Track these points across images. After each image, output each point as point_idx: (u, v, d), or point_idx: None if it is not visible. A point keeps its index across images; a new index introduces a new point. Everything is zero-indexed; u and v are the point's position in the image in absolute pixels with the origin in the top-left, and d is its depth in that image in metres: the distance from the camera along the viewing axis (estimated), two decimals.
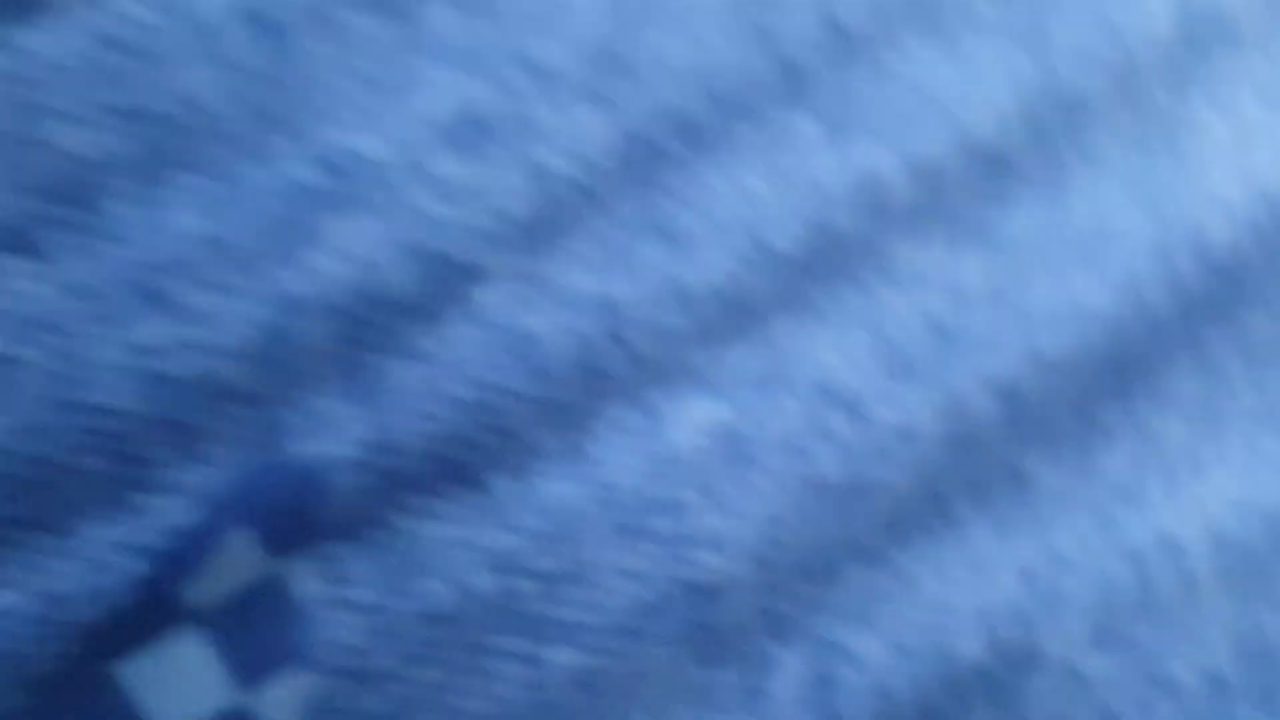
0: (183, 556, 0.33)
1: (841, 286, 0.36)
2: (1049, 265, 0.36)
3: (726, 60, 0.36)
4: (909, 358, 0.36)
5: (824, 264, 0.36)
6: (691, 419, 0.35)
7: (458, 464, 0.35)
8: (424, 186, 0.35)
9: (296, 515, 0.34)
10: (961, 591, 0.36)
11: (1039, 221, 0.37)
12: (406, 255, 0.34)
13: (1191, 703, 0.36)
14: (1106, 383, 0.37)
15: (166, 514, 0.33)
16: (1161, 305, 0.36)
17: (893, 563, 0.36)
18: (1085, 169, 0.37)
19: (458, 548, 0.35)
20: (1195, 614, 0.36)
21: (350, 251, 0.34)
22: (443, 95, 0.35)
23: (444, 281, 0.35)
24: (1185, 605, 0.36)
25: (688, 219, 0.36)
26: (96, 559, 0.33)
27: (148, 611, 0.33)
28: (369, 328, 0.35)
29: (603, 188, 0.35)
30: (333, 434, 0.34)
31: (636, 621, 0.35)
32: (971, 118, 0.37)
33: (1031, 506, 0.37)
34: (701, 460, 0.35)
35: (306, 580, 0.33)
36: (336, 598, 0.33)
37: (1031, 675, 0.35)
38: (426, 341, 0.35)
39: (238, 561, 0.33)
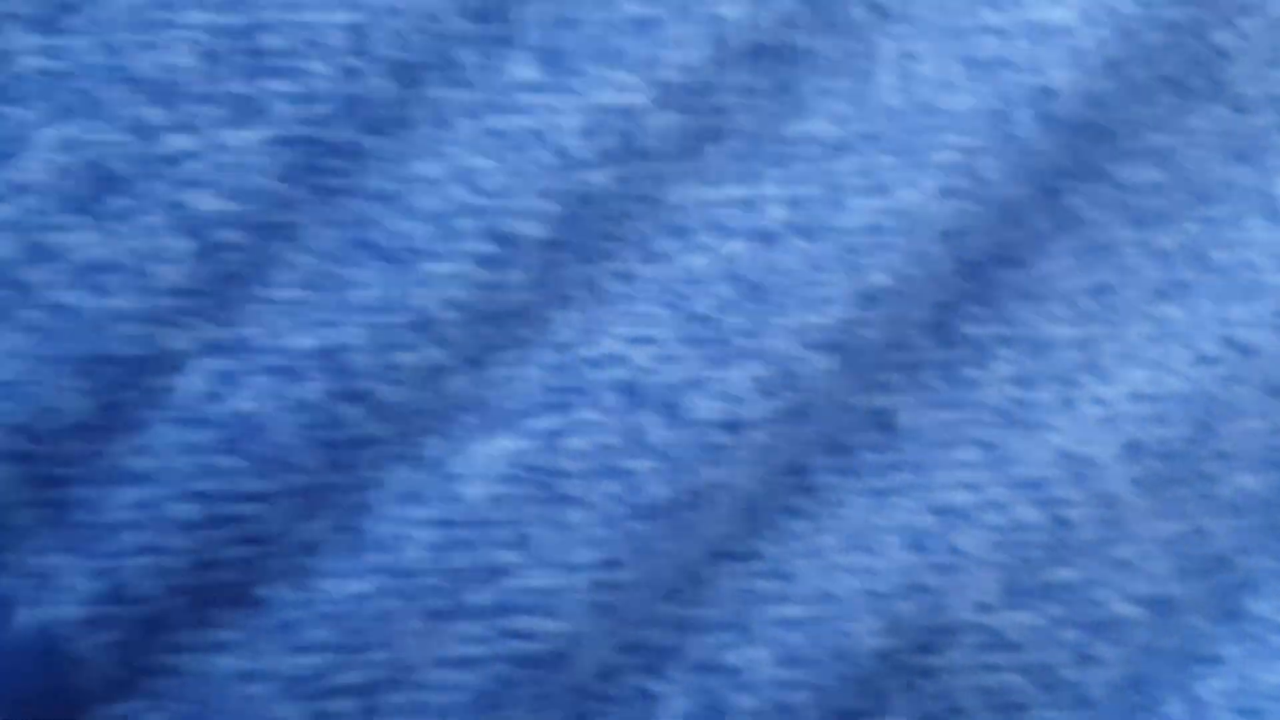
0: None
1: (621, 259, 0.29)
2: (863, 170, 0.29)
3: (397, 15, 0.27)
4: (721, 329, 0.29)
5: (591, 238, 0.28)
6: (480, 464, 0.29)
7: (221, 586, 0.29)
8: (59, 275, 0.27)
9: (47, 696, 0.29)
10: (846, 575, 0.30)
11: (844, 117, 0.29)
12: (68, 367, 0.27)
13: (1136, 636, 0.30)
14: (963, 291, 0.30)
15: None
16: (1009, 180, 0.29)
17: (761, 560, 0.30)
18: (891, 45, 0.29)
19: (251, 681, 0.29)
20: (1123, 539, 0.30)
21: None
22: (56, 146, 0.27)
23: (125, 385, 0.27)
24: (1110, 532, 0.30)
25: (403, 226, 0.28)
26: None
27: None
28: (58, 462, 0.28)
29: (284, 218, 0.28)
30: (58, 594, 0.28)
31: (478, 714, 0.29)
32: (733, 11, 0.28)
33: (904, 458, 0.31)
34: (506, 511, 0.29)
35: None
36: None
37: (946, 650, 0.30)
38: (132, 460, 0.28)
39: None
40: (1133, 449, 0.29)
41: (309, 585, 0.27)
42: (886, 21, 0.29)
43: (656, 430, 0.27)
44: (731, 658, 0.28)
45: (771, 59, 0.28)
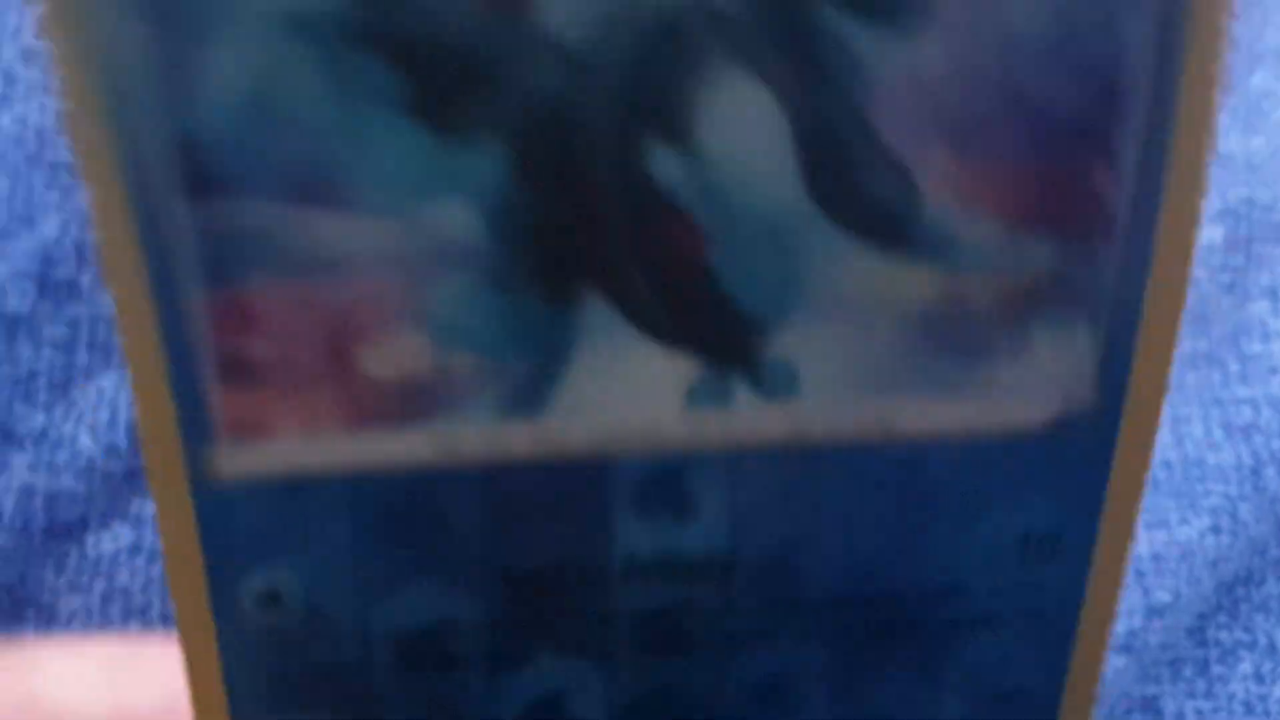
0: None
1: None
2: (1150, 509, 0.37)
3: None
4: None
5: None
6: None
7: None
8: None
9: None
10: None
11: None
12: None
13: None
14: (1217, 604, 0.39)
15: None
16: (1259, 522, 0.37)
17: None
18: (1166, 410, 0.38)
19: None
20: None
21: None
22: None
23: None
24: None
25: None
26: None
27: None
28: None
29: None
30: None
31: None
32: None
33: None
34: None
35: None
36: None
37: None
38: None
39: None
40: None
41: None
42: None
43: None
44: None
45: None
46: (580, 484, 0.15)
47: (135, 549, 0.32)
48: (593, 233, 0.13)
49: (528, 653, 0.16)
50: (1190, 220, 0.14)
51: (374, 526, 0.16)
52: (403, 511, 0.15)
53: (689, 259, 0.13)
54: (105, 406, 0.33)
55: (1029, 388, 0.15)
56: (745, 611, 0.16)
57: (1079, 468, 0.15)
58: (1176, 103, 0.13)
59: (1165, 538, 0.36)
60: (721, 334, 0.14)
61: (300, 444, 0.15)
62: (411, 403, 0.15)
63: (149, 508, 0.32)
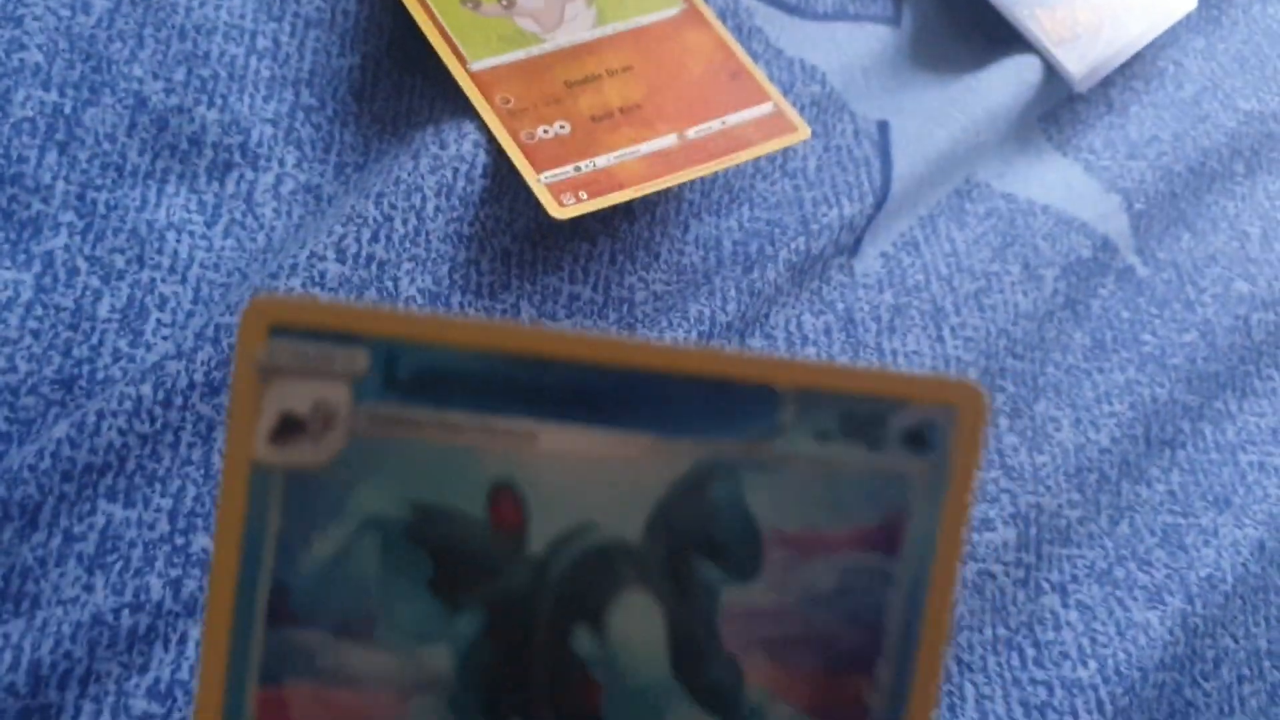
0: None
1: None
2: None
3: None
4: None
5: None
6: None
7: None
8: None
9: None
10: None
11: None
12: None
13: None
14: None
15: None
16: None
17: None
18: (969, 681, 0.42)
19: None
20: None
21: None
22: None
23: None
24: None
25: None
26: None
27: None
28: None
29: None
30: None
31: None
32: None
33: None
34: None
35: None
36: None
37: None
38: None
39: None
40: None
41: None
42: (970, 672, 0.42)
43: None
44: None
45: None
46: None
47: None
48: (528, 680, 0.20)
49: None
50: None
51: None
52: None
53: (589, 708, 0.20)
54: (9, 650, 0.35)
55: None
56: None
57: None
58: (917, 645, 0.20)
59: None
60: None
61: None
62: None
63: None
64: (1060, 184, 0.54)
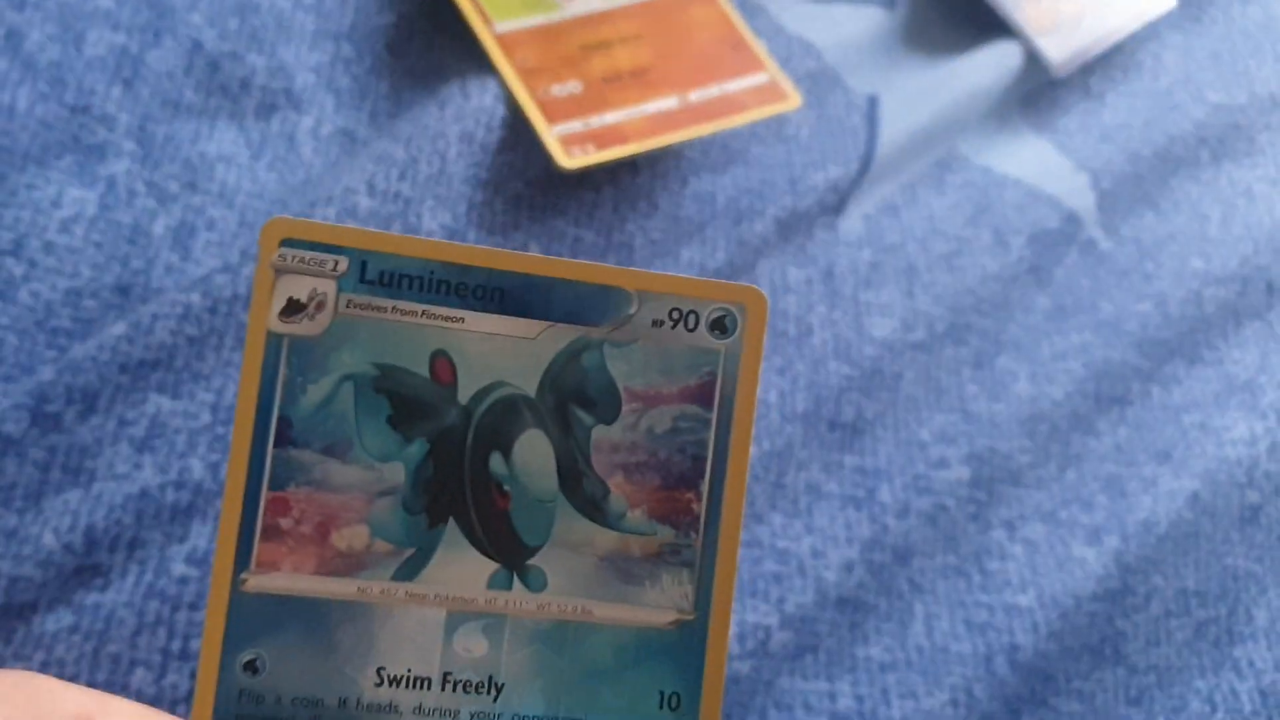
0: None
1: None
2: (901, 682, 0.46)
3: None
4: None
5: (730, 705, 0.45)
6: None
7: None
8: None
9: None
10: None
11: (891, 648, 0.47)
12: None
13: None
14: None
15: None
16: (991, 699, 0.46)
17: None
18: (919, 601, 0.47)
19: None
20: None
21: None
22: None
23: None
24: None
25: None
26: None
27: None
28: None
29: None
30: None
31: None
32: (828, 575, 0.46)
33: None
34: None
35: None
36: None
37: None
38: None
39: None
40: None
41: None
42: (921, 593, 0.47)
43: None
44: None
45: (850, 607, 0.46)
46: (425, 625, 0.28)
47: (74, 629, 0.39)
48: (457, 491, 0.27)
49: (391, 684, 0.28)
50: (735, 527, 0.28)
51: (313, 631, 0.27)
52: (331, 625, 0.27)
53: (500, 511, 0.27)
54: (68, 514, 0.41)
55: (660, 602, 0.28)
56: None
57: (688, 652, 0.28)
58: (727, 469, 0.28)
59: (913, 706, 0.45)
60: (510, 551, 0.28)
61: (290, 579, 0.27)
62: (351, 563, 0.28)
63: (91, 598, 0.40)
64: (1034, 160, 0.58)
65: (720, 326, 0.28)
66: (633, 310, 0.28)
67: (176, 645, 0.38)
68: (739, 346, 0.28)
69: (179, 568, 0.39)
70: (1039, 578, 0.48)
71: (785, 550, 0.46)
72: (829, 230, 0.53)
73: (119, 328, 0.41)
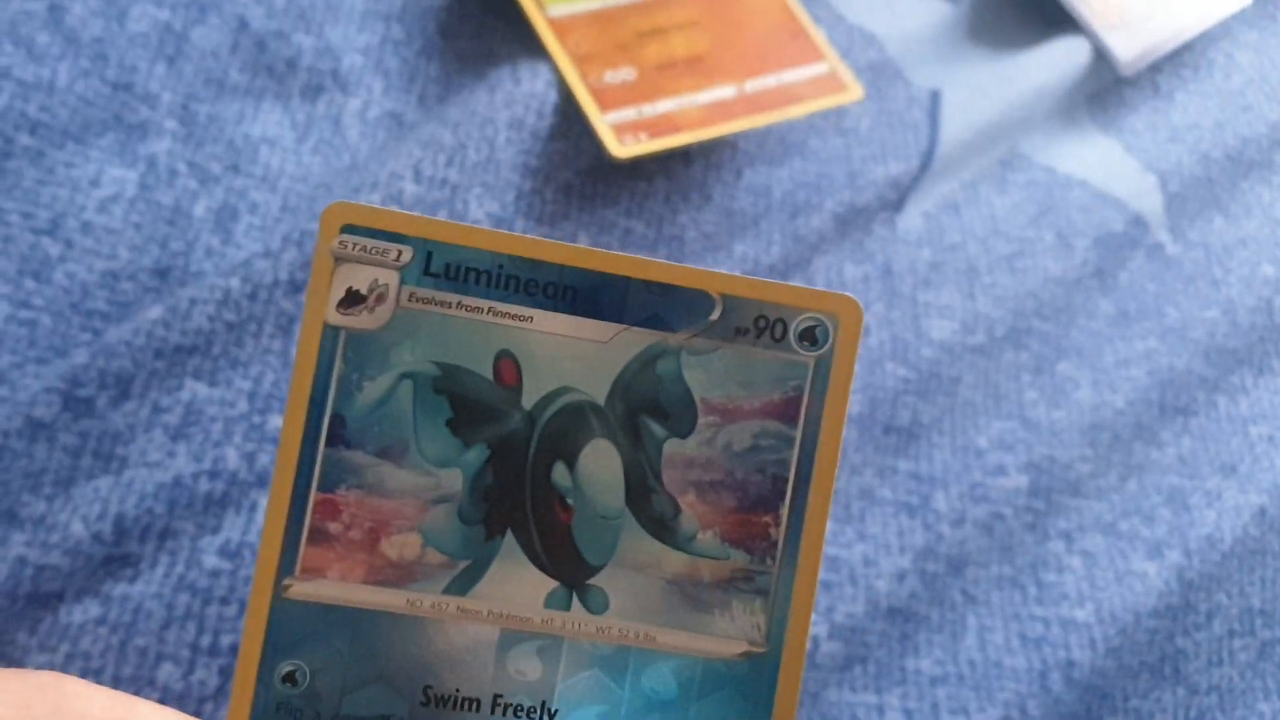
0: None
1: None
2: (951, 696, 0.44)
3: None
4: None
5: None
6: None
7: None
8: None
9: None
10: None
11: (942, 660, 0.45)
12: None
13: None
14: None
15: None
16: (1045, 717, 0.44)
17: None
18: (972, 613, 0.45)
19: None
20: None
21: None
22: None
23: None
24: None
25: None
26: None
27: None
28: None
29: None
30: None
31: None
32: (879, 584, 0.44)
33: None
34: None
35: None
36: None
37: None
38: None
39: None
40: None
41: None
42: (974, 605, 0.45)
43: None
44: None
45: (902, 618, 0.44)
46: (477, 644, 0.26)
47: (100, 621, 0.38)
48: (517, 502, 0.25)
49: (440, 705, 0.26)
50: (815, 556, 0.26)
51: (358, 644, 0.25)
52: (378, 638, 0.26)
53: (562, 525, 0.25)
54: (98, 502, 0.39)
55: (730, 632, 0.26)
56: None
57: (758, 686, 0.26)
58: (810, 492, 0.26)
59: None
60: (570, 569, 0.26)
61: (336, 587, 0.25)
62: (401, 574, 0.26)
63: (119, 589, 0.38)
64: (1099, 161, 0.56)
65: (810, 337, 0.26)
66: (715, 316, 0.26)
67: (206, 641, 0.37)
68: (830, 360, 0.26)
69: (211, 560, 0.38)
70: (1097, 592, 0.46)
71: (836, 558, 0.44)
72: (888, 227, 0.51)
73: (156, 311, 0.40)
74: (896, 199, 0.52)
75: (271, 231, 0.44)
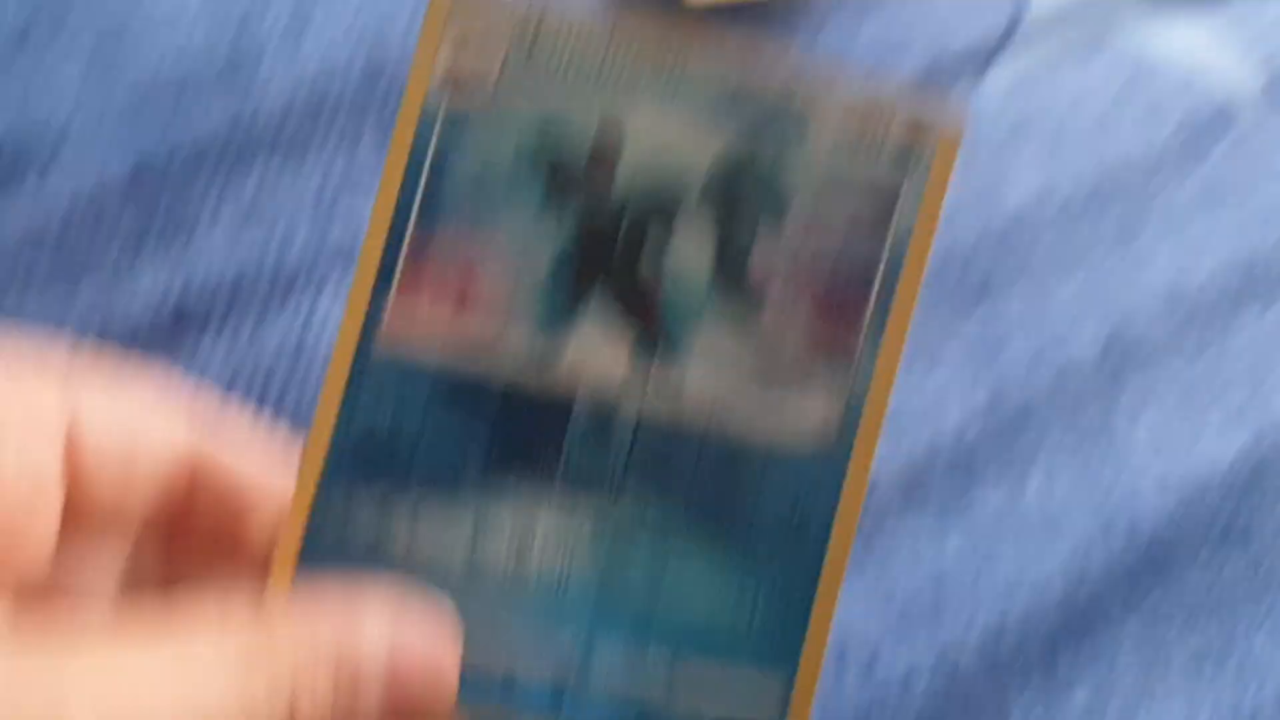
0: None
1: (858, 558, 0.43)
2: (1016, 539, 0.43)
3: None
4: (911, 618, 0.43)
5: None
6: None
7: None
8: None
9: None
10: None
11: (1002, 509, 0.44)
12: None
13: None
14: (1064, 636, 0.44)
15: None
16: (1103, 573, 0.43)
17: None
18: (1035, 468, 0.44)
19: None
20: None
21: None
22: None
23: None
24: None
25: None
26: None
27: None
28: None
29: None
30: None
31: None
32: (945, 427, 0.44)
33: None
34: None
35: None
36: None
37: None
38: None
39: None
40: None
41: None
42: (1039, 458, 0.44)
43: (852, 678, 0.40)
44: None
45: (965, 460, 0.43)
46: (553, 413, 0.26)
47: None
48: (605, 279, 0.26)
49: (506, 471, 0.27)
50: (894, 360, 0.26)
51: (438, 400, 0.26)
52: (456, 403, 0.26)
53: (650, 299, 0.26)
54: (164, 276, 0.39)
55: (801, 425, 0.27)
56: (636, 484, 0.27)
57: (827, 476, 0.27)
58: (891, 304, 0.26)
59: (1027, 561, 0.42)
60: (656, 323, 0.26)
61: (422, 351, 0.26)
62: (487, 343, 0.26)
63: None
64: (1194, 44, 0.54)
65: (907, 154, 0.26)
66: (814, 125, 0.26)
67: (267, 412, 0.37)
68: (924, 178, 0.26)
69: (278, 335, 0.38)
70: (1163, 460, 0.44)
71: (902, 398, 0.43)
72: (969, 92, 0.50)
73: (227, 107, 0.40)
74: (980, 64, 0.51)
75: (347, 33, 0.44)
